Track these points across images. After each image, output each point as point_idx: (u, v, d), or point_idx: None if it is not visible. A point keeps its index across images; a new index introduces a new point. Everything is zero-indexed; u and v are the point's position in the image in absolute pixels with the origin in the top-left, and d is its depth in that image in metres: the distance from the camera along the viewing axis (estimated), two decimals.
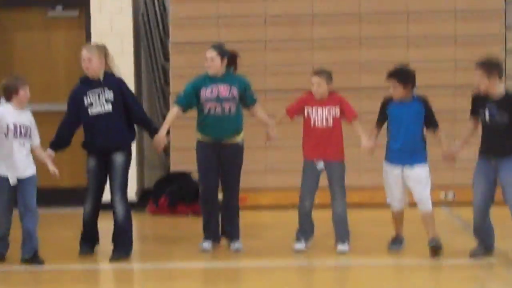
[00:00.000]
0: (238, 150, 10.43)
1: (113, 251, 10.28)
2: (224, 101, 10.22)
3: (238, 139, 10.39)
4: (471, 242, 10.36)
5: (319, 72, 10.25)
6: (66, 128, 10.31)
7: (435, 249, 10.00)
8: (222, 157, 10.35)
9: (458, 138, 10.28)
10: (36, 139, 10.21)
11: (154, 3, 14.00)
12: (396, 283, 9.49)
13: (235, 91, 10.23)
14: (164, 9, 14.04)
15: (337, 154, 10.24)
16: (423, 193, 10.09)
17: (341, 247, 10.19)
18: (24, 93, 10.07)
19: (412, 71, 10.17)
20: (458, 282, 9.25)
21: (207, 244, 10.42)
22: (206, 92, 10.22)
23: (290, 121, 10.42)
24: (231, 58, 10.39)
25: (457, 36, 13.30)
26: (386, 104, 10.17)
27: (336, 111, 10.16)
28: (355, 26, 13.36)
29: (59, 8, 13.40)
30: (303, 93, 10.42)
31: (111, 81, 10.27)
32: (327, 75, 10.22)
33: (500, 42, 13.32)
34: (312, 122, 10.20)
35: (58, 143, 10.31)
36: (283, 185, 12.82)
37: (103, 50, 10.32)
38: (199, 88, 10.26)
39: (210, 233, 10.48)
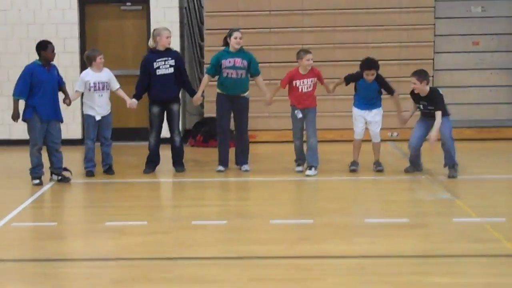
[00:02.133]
0: (245, 102, 10.45)
1: (176, 167, 10.58)
2: (238, 69, 10.32)
3: (246, 94, 10.44)
4: (408, 166, 10.72)
5: (310, 52, 10.21)
6: (141, 85, 10.44)
7: (378, 171, 10.31)
8: (234, 106, 10.40)
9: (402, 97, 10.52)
10: (116, 85, 10.44)
11: (194, 1, 14.04)
12: (356, 191, 9.70)
13: (245, 63, 10.33)
14: (200, 4, 14.04)
15: (312, 103, 10.28)
16: (377, 130, 10.32)
17: (309, 172, 10.13)
18: (99, 59, 10.30)
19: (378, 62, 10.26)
20: (397, 191, 9.47)
21: (221, 167, 10.49)
22: (226, 62, 10.30)
23: (283, 89, 10.38)
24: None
25: (401, 24, 13.36)
26: (358, 78, 10.22)
27: (315, 80, 10.20)
28: (331, 17, 13.34)
29: (128, 4, 13.35)
30: (291, 69, 10.38)
31: (173, 53, 10.50)
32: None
33: (431, 29, 13.41)
34: (300, 89, 10.16)
35: (138, 95, 10.49)
36: (282, 127, 12.70)
37: None
38: (221, 59, 10.36)
39: (223, 159, 10.53)
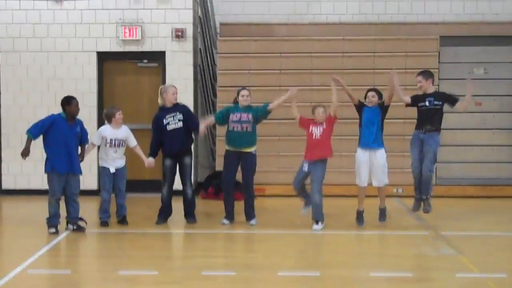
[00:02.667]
0: (252, 158, 10.49)
1: (187, 219, 10.61)
2: (243, 123, 10.42)
3: (252, 150, 10.48)
4: (412, 221, 10.65)
5: (321, 106, 10.37)
6: (155, 143, 10.55)
7: (382, 222, 10.32)
8: (241, 161, 10.46)
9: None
10: (133, 143, 10.55)
11: (207, 59, 14.20)
12: (362, 244, 9.68)
13: (250, 116, 10.43)
14: (214, 62, 14.29)
15: (321, 153, 10.19)
16: (381, 173, 10.21)
17: (316, 226, 10.17)
18: (118, 115, 10.44)
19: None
20: (401, 245, 9.41)
21: (226, 221, 10.54)
22: (233, 116, 10.46)
23: (295, 123, 10.43)
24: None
25: (407, 84, 13.50)
26: (361, 107, 10.34)
27: (324, 125, 10.23)
28: (339, 76, 13.60)
29: (145, 61, 13.53)
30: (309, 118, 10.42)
31: (180, 107, 10.60)
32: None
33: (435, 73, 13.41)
34: (313, 136, 10.18)
35: (153, 153, 10.57)
36: (290, 181, 12.77)
37: None
38: (230, 112, 10.53)
39: (228, 213, 10.58)
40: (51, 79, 13.39)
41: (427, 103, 10.22)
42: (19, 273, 7.92)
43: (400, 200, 12.51)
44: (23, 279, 7.75)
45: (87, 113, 13.15)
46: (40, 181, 13.18)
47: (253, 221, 10.59)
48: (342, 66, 13.65)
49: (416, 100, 10.34)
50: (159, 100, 10.67)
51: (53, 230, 9.89)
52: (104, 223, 10.41)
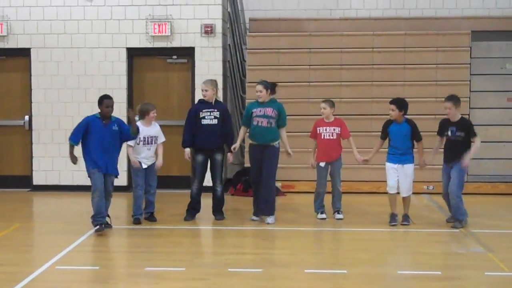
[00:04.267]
0: (274, 150, 10.40)
1: (216, 215, 10.63)
2: (269, 118, 10.37)
3: (275, 144, 10.43)
4: (442, 218, 10.53)
5: (325, 101, 10.63)
6: (187, 132, 10.52)
7: (404, 225, 10.14)
8: (264, 154, 10.35)
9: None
10: (162, 139, 10.54)
11: (236, 55, 14.18)
12: (390, 242, 9.60)
13: (275, 112, 10.39)
14: (243, 58, 14.23)
15: (337, 155, 10.50)
16: (406, 184, 10.18)
17: (338, 215, 10.50)
18: (152, 114, 10.48)
19: (406, 101, 10.31)
20: (430, 243, 9.33)
21: (255, 217, 10.53)
22: (257, 111, 10.40)
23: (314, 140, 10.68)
24: (272, 87, 10.56)
25: (437, 80, 13.41)
26: (388, 125, 10.34)
27: (338, 130, 10.46)
28: (369, 72, 13.45)
29: (174, 57, 13.55)
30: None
31: (220, 105, 10.63)
32: (331, 103, 10.56)
33: (467, 85, 13.39)
34: (322, 136, 10.47)
35: (187, 142, 10.53)
36: None
37: (215, 84, 10.63)
38: (251, 109, 10.50)
39: (257, 209, 10.55)
40: (81, 75, 13.44)
41: (449, 133, 10.03)
42: (47, 269, 8.00)
43: (430, 197, 12.40)
44: (50, 275, 7.84)
45: (117, 109, 12.87)
46: (71, 177, 13.38)
47: (269, 219, 10.41)
48: (372, 61, 13.57)
49: (441, 129, 10.19)
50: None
51: (98, 228, 9.66)
52: (136, 220, 10.40)
